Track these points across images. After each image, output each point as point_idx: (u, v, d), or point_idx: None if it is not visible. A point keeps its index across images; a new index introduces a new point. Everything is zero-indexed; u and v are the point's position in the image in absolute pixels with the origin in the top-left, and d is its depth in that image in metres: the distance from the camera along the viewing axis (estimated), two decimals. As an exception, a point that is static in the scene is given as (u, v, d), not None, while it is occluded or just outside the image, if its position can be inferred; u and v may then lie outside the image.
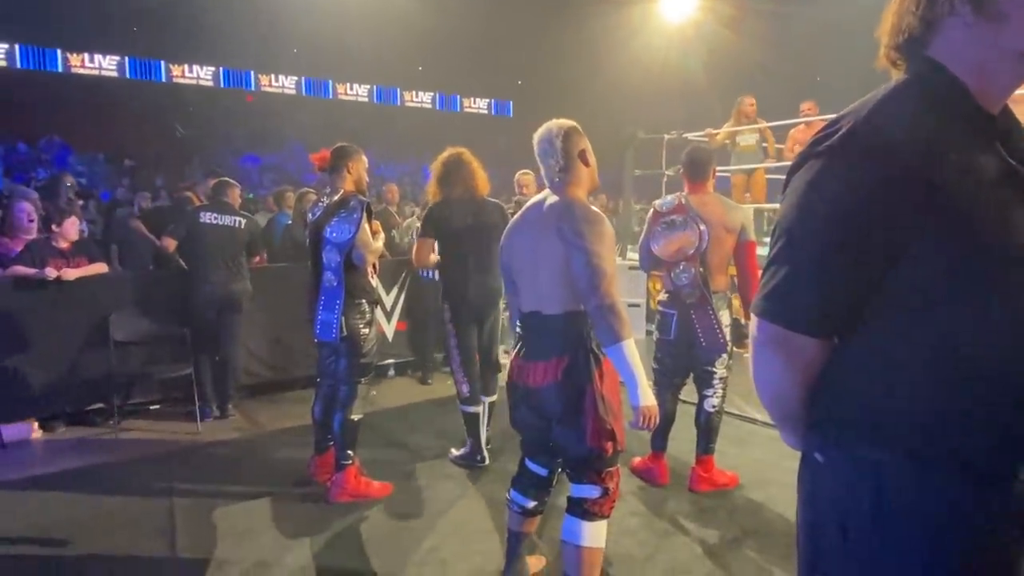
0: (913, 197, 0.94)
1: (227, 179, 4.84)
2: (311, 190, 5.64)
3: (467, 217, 3.55)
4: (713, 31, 16.25)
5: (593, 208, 2.08)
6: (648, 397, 1.99)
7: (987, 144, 0.98)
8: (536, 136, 2.17)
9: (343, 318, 3.14)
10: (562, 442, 2.12)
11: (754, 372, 1.13)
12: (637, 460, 3.55)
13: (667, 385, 3.42)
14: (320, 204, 3.26)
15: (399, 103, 23.58)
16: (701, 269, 3.19)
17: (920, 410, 0.97)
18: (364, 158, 3.32)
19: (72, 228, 4.31)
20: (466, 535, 2.92)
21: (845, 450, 1.04)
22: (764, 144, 6.80)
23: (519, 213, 2.27)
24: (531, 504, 2.35)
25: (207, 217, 4.52)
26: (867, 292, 1.00)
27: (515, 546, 2.44)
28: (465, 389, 3.67)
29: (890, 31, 1.07)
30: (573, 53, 18.12)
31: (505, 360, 3.98)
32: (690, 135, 6.70)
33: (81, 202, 7.20)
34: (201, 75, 20.34)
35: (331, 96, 22.41)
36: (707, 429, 3.34)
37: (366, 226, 3.13)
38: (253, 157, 18.00)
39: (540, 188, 2.36)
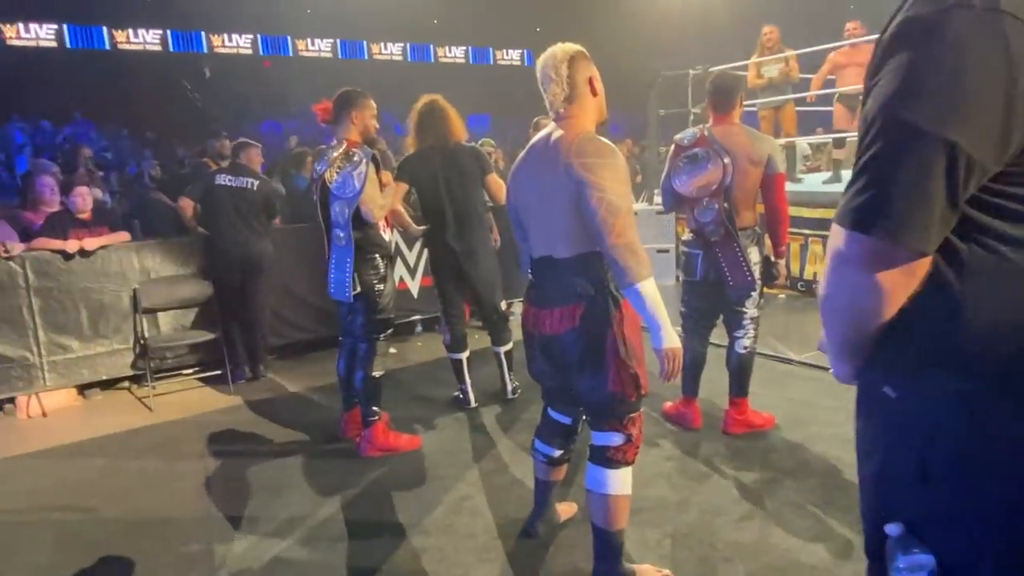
0: None
1: (246, 140, 4.78)
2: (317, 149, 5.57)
3: (440, 164, 3.50)
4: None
5: (603, 140, 1.93)
6: (671, 339, 1.89)
7: None
8: (539, 62, 2.00)
9: (355, 274, 3.06)
10: (583, 389, 2.03)
11: (828, 292, 0.94)
12: (669, 405, 3.48)
13: (695, 328, 3.31)
14: (325, 158, 3.12)
15: (432, 59, 23.05)
16: (726, 205, 3.02)
17: (1017, 338, 0.83)
18: (372, 104, 3.15)
19: (80, 198, 4.29)
20: (496, 484, 2.90)
21: (929, 382, 0.90)
22: (788, 72, 6.43)
23: (524, 150, 2.12)
24: (556, 453, 2.29)
25: (222, 179, 4.48)
26: (979, 197, 0.83)
27: (544, 494, 2.41)
28: (447, 338, 3.77)
29: None
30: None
31: (508, 310, 3.95)
32: (716, 70, 6.38)
33: (101, 173, 7.25)
34: (241, 43, 20.19)
35: (366, 57, 22.01)
36: (739, 371, 3.23)
37: (374, 179, 3.00)
38: (275, 123, 17.94)
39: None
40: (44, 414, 4.13)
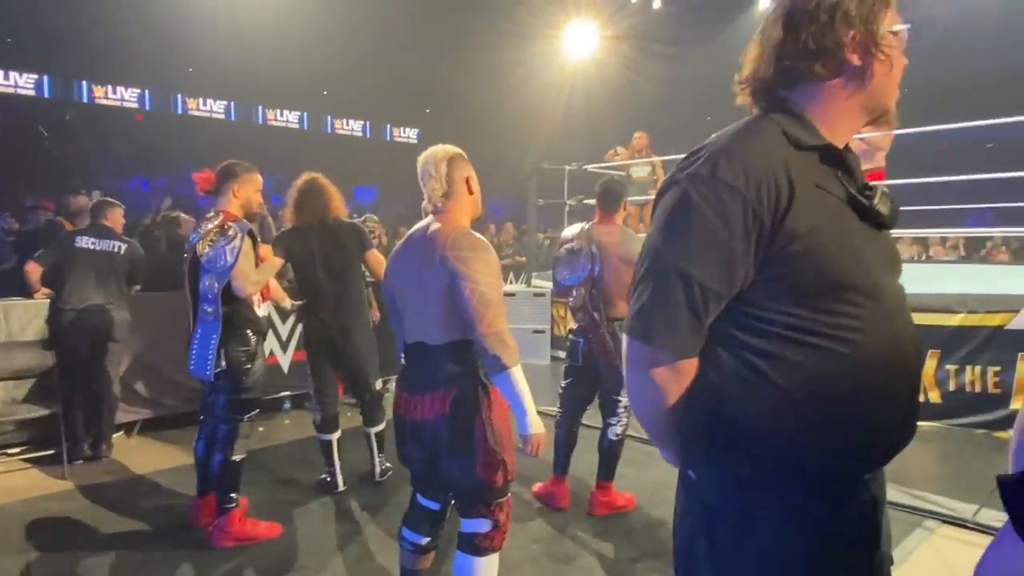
0: (769, 218, 1.00)
1: (108, 199, 4.49)
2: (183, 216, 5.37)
3: (317, 240, 3.55)
4: (614, 70, 17.02)
5: (477, 235, 2.06)
6: (536, 425, 1.99)
7: (830, 173, 1.07)
8: (420, 160, 2.13)
9: (222, 350, 2.94)
10: (452, 475, 2.07)
11: (628, 391, 1.16)
12: (538, 486, 3.56)
13: (571, 410, 3.47)
14: (199, 229, 3.02)
15: (330, 130, 22.90)
16: (593, 291, 3.24)
17: (779, 427, 1.02)
18: (257, 178, 3.12)
19: None
20: (361, 573, 2.80)
21: (712, 466, 1.09)
22: (655, 177, 7.16)
23: (402, 240, 2.22)
24: (424, 540, 2.27)
25: (84, 242, 4.18)
26: (730, 315, 1.05)
27: (409, 583, 2.36)
28: (317, 418, 3.70)
29: (747, 78, 1.16)
30: (478, 85, 18.36)
31: (383, 388, 3.94)
32: (590, 167, 6.94)
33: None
34: (126, 96, 19.07)
35: (261, 121, 21.48)
36: (608, 456, 3.38)
37: (248, 254, 2.94)
38: (142, 180, 16.96)
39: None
40: None
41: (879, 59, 1.06)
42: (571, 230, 3.44)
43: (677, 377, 1.07)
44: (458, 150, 2.17)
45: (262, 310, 3.20)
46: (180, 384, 4.60)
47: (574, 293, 3.31)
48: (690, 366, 1.07)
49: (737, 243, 1.00)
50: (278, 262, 3.49)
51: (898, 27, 1.07)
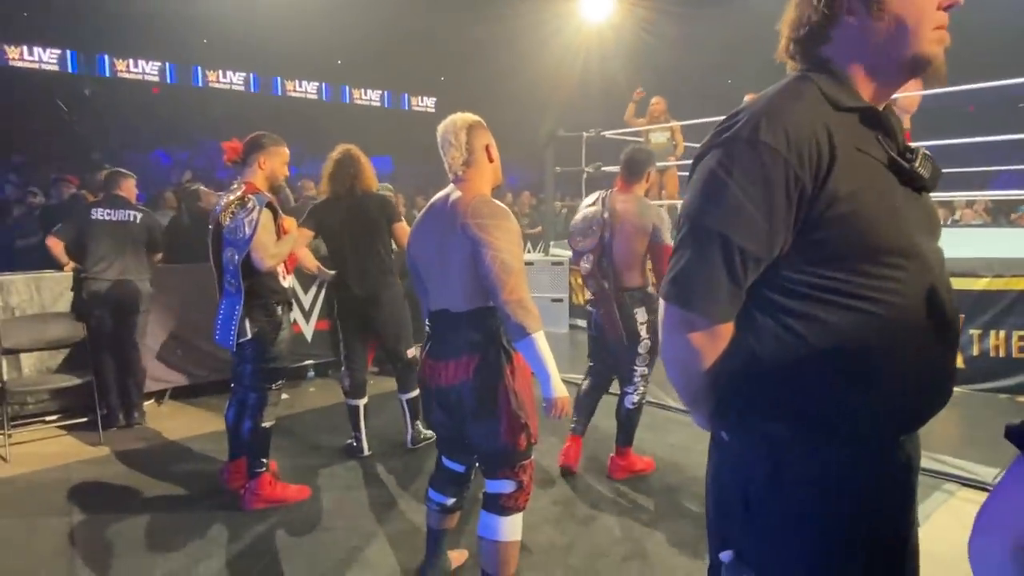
0: (811, 182, 0.99)
1: (119, 170, 4.54)
2: (207, 190, 5.41)
3: (347, 213, 3.58)
4: (631, 33, 16.67)
5: (497, 203, 2.08)
6: (559, 388, 2.03)
7: (871, 135, 1.05)
8: (440, 129, 2.14)
9: (245, 321, 2.99)
10: (476, 439, 2.12)
11: (663, 355, 1.16)
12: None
13: (593, 377, 3.53)
14: (223, 200, 3.05)
15: (348, 100, 22.77)
16: (603, 260, 3.23)
17: (812, 389, 1.03)
18: (284, 151, 3.13)
19: None
20: (388, 534, 2.89)
21: (746, 427, 1.09)
22: (674, 143, 7.05)
23: (424, 209, 2.24)
24: (449, 501, 2.34)
25: (99, 213, 4.26)
26: (768, 278, 1.05)
27: (436, 543, 2.44)
28: (346, 383, 3.77)
29: (791, 24, 1.12)
30: (494, 51, 18.10)
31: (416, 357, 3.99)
32: (608, 133, 6.86)
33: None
34: (147, 70, 19.11)
35: (280, 93, 21.38)
36: (626, 423, 3.42)
37: (267, 226, 2.94)
38: (162, 153, 17.07)
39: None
40: None
41: (894, 5, 1.02)
42: (590, 198, 3.42)
43: (714, 341, 1.07)
44: (477, 118, 2.17)
45: (287, 281, 3.24)
46: (206, 353, 4.71)
47: (584, 261, 3.31)
48: (727, 330, 1.07)
49: (779, 206, 0.99)
50: (307, 233, 3.53)
51: None
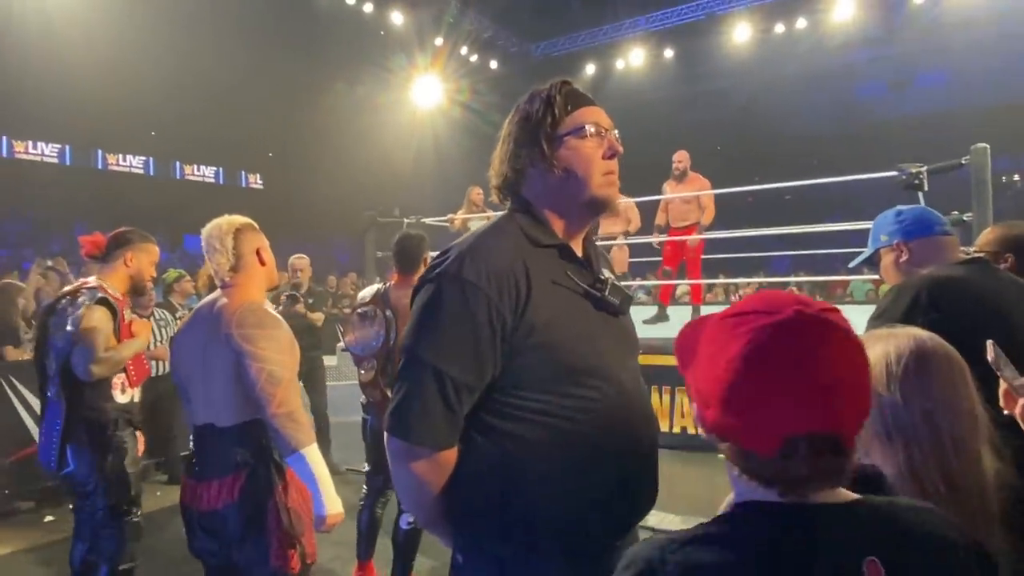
0: (510, 314, 1.07)
1: None
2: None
3: None
4: (460, 122, 17.55)
5: (266, 310, 1.99)
6: (332, 505, 1.91)
7: (565, 268, 1.16)
8: (204, 233, 2.02)
9: (66, 445, 2.50)
10: (245, 566, 1.93)
11: (394, 484, 1.18)
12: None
13: (371, 490, 3.12)
14: (67, 309, 2.57)
15: (179, 176, 21.19)
16: (388, 365, 2.84)
17: (530, 505, 1.07)
18: (154, 248, 2.74)
19: None
20: None
21: (477, 548, 1.12)
22: None
23: (189, 316, 2.09)
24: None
25: None
26: (483, 402, 1.10)
27: None
28: None
29: (494, 173, 1.24)
30: (326, 133, 18.06)
31: None
32: (429, 220, 7.00)
33: None
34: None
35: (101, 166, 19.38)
36: (404, 547, 2.95)
37: (102, 326, 2.49)
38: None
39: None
40: None
41: (566, 157, 1.16)
42: (367, 292, 3.11)
43: (437, 468, 1.10)
44: (246, 220, 2.08)
45: (126, 396, 2.67)
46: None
47: (364, 367, 2.91)
48: (450, 456, 1.10)
49: (483, 337, 1.05)
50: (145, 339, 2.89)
51: (581, 127, 1.17)
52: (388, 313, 2.87)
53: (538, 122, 1.17)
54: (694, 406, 0.77)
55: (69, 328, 2.48)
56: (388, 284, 3.09)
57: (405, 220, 6.85)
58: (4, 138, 17.63)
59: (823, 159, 16.92)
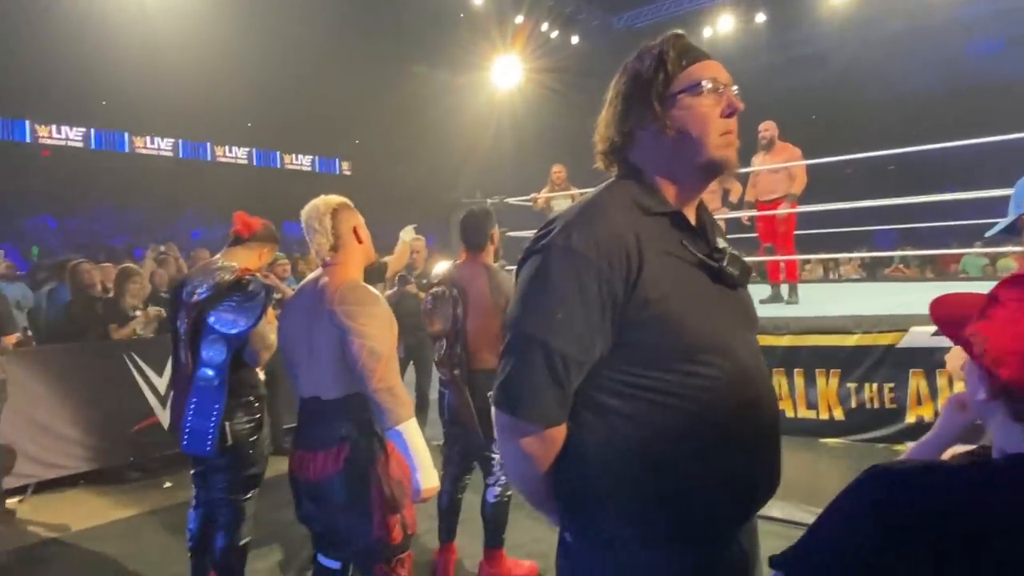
0: (621, 286, 1.02)
1: None
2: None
3: None
4: (541, 101, 17.38)
5: (367, 287, 2.05)
6: (429, 479, 1.97)
7: (679, 238, 1.10)
8: (303, 214, 2.09)
9: (226, 425, 2.48)
10: (349, 534, 2.03)
11: (502, 459, 1.18)
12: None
13: (450, 470, 3.03)
14: (200, 279, 2.56)
15: (279, 164, 22.47)
16: (457, 345, 2.81)
17: (643, 488, 1.04)
18: (275, 254, 2.88)
19: None
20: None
21: (588, 529, 1.09)
22: None
23: (294, 293, 2.18)
24: (328, 600, 2.20)
25: None
26: (593, 379, 1.06)
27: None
28: None
29: (600, 138, 1.18)
30: (409, 116, 18.39)
31: None
32: (512, 200, 7.02)
33: None
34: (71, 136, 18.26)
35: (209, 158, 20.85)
36: (492, 521, 2.92)
37: (270, 315, 2.54)
38: (49, 218, 16.08)
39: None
40: None
41: (680, 117, 1.09)
42: (439, 268, 3.03)
43: (546, 445, 1.07)
44: (342, 200, 2.14)
45: (261, 376, 2.80)
46: (73, 442, 4.31)
47: (437, 346, 2.87)
48: (559, 433, 1.07)
49: (593, 311, 1.02)
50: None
51: (697, 83, 1.09)
52: (454, 292, 2.82)
53: (649, 80, 1.09)
54: (976, 370, 0.78)
55: (248, 319, 2.43)
56: (456, 262, 3.03)
57: (488, 200, 6.90)
58: (126, 134, 19.12)
59: (929, 125, 15.63)
